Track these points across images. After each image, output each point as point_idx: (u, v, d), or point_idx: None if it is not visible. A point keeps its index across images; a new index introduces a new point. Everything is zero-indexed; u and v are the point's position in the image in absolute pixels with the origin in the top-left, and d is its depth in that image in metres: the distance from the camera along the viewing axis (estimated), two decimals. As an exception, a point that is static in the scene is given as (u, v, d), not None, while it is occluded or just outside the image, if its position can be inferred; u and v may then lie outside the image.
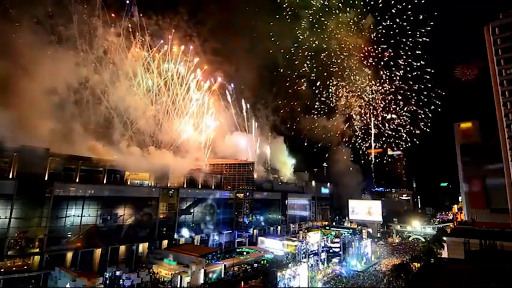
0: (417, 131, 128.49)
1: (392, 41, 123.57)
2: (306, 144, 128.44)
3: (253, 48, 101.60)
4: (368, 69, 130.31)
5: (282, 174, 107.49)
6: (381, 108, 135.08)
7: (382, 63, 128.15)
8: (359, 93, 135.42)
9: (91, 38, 65.30)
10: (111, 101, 67.01)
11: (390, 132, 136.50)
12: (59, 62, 54.75)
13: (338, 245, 65.97)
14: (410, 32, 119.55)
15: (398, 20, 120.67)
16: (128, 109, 69.34)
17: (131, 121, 70.48)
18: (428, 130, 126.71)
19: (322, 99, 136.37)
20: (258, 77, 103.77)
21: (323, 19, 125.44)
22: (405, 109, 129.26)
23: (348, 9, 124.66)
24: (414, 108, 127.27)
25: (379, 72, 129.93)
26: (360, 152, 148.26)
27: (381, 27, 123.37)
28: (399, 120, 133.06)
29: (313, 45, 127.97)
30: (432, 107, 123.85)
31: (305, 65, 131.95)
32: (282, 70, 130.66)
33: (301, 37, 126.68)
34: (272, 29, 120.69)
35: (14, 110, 44.27)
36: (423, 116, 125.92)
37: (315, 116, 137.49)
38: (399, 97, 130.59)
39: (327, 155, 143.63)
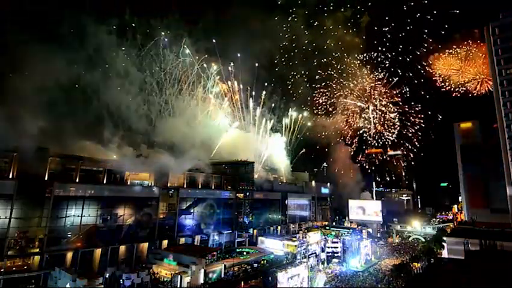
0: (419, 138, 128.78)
1: (389, 39, 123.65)
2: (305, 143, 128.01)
3: (249, 46, 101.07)
4: (366, 69, 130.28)
5: (281, 173, 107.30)
6: (381, 110, 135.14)
7: (378, 63, 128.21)
8: (359, 92, 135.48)
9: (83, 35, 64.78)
10: (104, 99, 65.80)
11: (390, 132, 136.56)
12: (50, 59, 54.10)
13: (337, 245, 65.97)
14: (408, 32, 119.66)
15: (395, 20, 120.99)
16: (120, 108, 68.05)
17: (123, 120, 69.01)
18: (428, 133, 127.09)
19: (321, 97, 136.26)
20: (254, 75, 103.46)
21: (312, 20, 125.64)
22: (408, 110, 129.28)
23: (343, 7, 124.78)
24: (415, 108, 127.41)
25: (377, 71, 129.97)
26: (360, 152, 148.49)
27: (386, 28, 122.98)
28: (399, 121, 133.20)
29: (309, 42, 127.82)
30: (433, 107, 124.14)
31: (300, 63, 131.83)
32: (278, 68, 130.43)
33: (295, 35, 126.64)
34: (267, 27, 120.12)
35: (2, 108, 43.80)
36: (424, 121, 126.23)
37: (315, 115, 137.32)
38: (400, 97, 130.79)
39: (326, 155, 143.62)
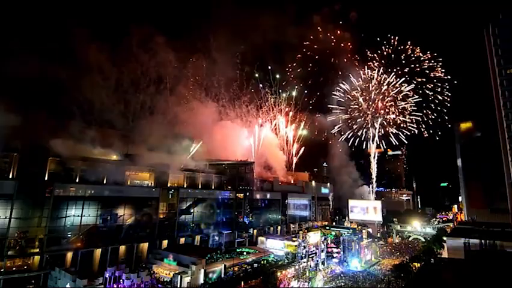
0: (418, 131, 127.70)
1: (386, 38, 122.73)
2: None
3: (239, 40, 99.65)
4: (362, 66, 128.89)
5: (278, 172, 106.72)
6: (381, 108, 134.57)
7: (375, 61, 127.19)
8: (357, 90, 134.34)
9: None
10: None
11: (390, 132, 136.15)
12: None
13: (337, 245, 65.92)
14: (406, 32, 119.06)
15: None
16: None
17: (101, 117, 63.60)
18: (427, 132, 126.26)
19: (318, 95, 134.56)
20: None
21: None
22: (408, 109, 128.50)
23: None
24: (414, 108, 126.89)
25: (374, 69, 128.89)
26: (360, 152, 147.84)
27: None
28: (399, 120, 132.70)
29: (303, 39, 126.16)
30: (433, 106, 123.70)
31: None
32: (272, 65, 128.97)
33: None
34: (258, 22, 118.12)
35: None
36: (425, 118, 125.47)
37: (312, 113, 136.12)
38: (399, 97, 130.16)
39: (326, 154, 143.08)
